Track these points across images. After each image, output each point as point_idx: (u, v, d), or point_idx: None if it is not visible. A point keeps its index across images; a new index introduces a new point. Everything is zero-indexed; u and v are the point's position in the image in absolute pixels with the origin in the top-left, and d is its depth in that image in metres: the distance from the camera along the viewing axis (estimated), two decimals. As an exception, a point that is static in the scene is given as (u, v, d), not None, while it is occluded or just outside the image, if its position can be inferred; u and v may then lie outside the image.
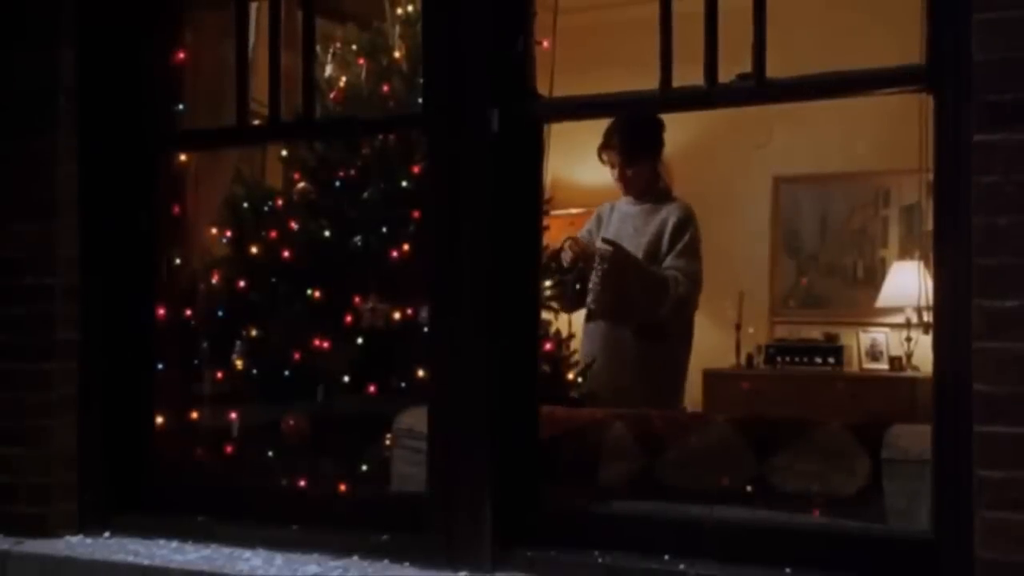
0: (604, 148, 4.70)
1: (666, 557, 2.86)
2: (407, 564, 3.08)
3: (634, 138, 4.60)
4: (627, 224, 4.71)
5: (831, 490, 3.05)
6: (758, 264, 7.57)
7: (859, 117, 6.87)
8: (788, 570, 2.73)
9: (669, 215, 4.68)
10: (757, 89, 2.81)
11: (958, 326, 2.50)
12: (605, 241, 4.51)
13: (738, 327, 7.28)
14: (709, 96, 2.87)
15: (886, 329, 7.15)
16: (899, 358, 6.87)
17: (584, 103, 3.13)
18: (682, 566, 2.82)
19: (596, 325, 4.64)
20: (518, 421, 3.11)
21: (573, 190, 7.02)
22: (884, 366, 7.02)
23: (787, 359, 7.03)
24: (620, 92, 3.04)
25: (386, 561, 3.11)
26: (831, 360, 6.95)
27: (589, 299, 4.57)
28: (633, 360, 4.57)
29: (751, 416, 3.86)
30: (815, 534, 2.83)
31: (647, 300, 4.55)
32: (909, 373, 6.74)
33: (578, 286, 4.58)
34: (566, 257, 4.52)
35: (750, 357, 7.23)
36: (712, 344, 6.78)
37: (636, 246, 4.65)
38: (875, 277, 7.24)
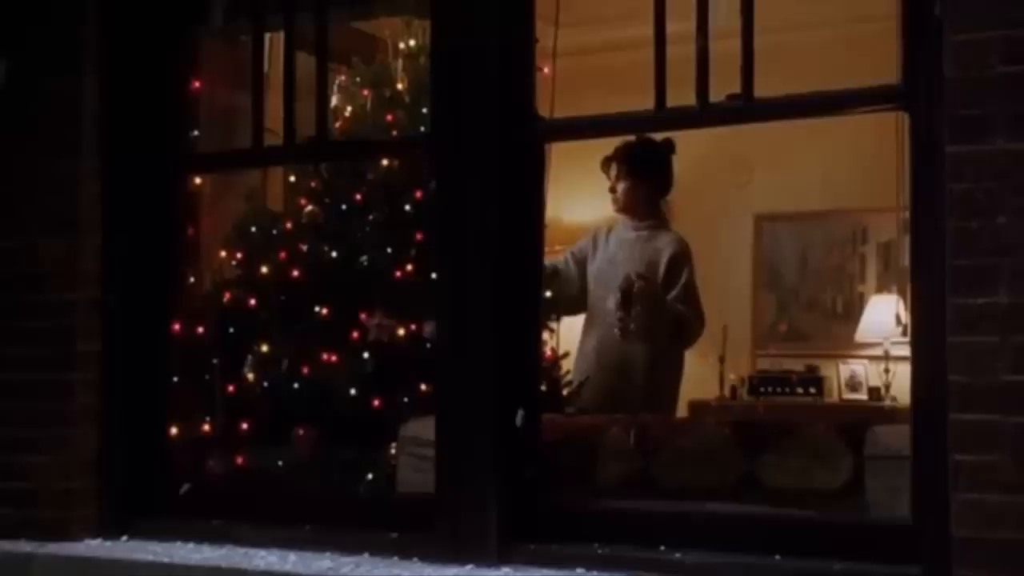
0: (607, 160, 4.81)
1: (662, 548, 3.04)
2: (416, 560, 3.24)
3: (632, 156, 4.72)
4: (623, 250, 4.83)
5: (817, 485, 3.24)
6: (741, 299, 7.78)
7: (837, 157, 7.14)
8: (777, 557, 2.92)
9: (664, 247, 4.78)
10: (746, 108, 3.02)
11: (934, 322, 2.70)
12: (639, 276, 4.59)
13: (722, 360, 7.46)
14: (701, 115, 3.07)
15: (865, 361, 7.37)
16: (877, 388, 7.09)
17: (583, 123, 3.34)
18: (677, 555, 3.00)
19: (601, 346, 4.78)
20: (522, 425, 3.28)
21: (562, 229, 7.22)
22: (863, 396, 7.23)
23: (770, 390, 7.22)
24: (617, 112, 3.25)
25: (395, 558, 3.27)
26: (812, 391, 7.16)
27: (601, 320, 4.69)
28: (634, 385, 4.70)
29: (740, 419, 4.03)
30: (802, 524, 3.02)
31: (663, 333, 4.68)
32: (888, 403, 6.94)
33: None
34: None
35: (734, 388, 7.42)
36: (697, 376, 6.94)
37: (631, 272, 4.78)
38: (853, 311, 7.46)
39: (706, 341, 7.27)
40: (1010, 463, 2.59)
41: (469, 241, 3.26)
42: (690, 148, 6.34)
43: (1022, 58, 2.61)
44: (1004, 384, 2.60)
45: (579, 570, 3.05)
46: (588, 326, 4.89)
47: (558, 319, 4.77)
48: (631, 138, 4.71)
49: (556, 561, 3.10)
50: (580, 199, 6.65)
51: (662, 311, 4.58)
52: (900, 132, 3.04)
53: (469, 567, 3.16)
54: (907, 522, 2.84)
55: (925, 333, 2.76)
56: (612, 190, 4.87)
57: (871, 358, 7.32)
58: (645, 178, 4.87)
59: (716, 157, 7.53)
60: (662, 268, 4.73)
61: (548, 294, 4.27)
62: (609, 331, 4.64)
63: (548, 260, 4.93)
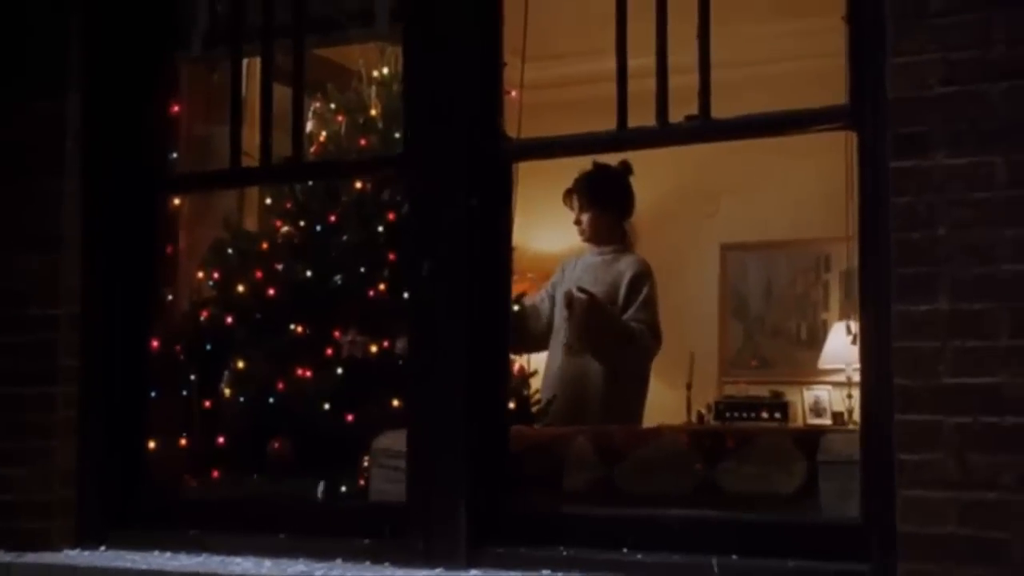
0: (568, 192, 5.02)
1: (624, 550, 3.16)
2: (387, 564, 3.34)
3: (592, 185, 4.92)
4: (587, 273, 5.01)
5: (773, 490, 3.37)
6: (708, 327, 7.94)
7: (800, 188, 7.33)
8: (735, 557, 3.04)
9: (626, 268, 4.97)
10: (703, 127, 3.18)
11: (880, 328, 2.85)
12: (580, 290, 4.78)
13: (689, 386, 7.60)
14: (661, 134, 3.22)
15: (828, 387, 7.52)
16: (841, 413, 7.24)
17: (549, 143, 3.48)
18: (639, 556, 3.12)
19: (563, 364, 4.91)
20: (488, 436, 3.40)
21: (530, 257, 7.37)
22: (827, 421, 7.38)
23: (736, 415, 7.35)
24: (580, 133, 3.39)
25: (368, 563, 3.37)
26: (777, 416, 7.29)
27: (560, 339, 4.85)
28: (594, 399, 4.85)
29: (700, 428, 4.17)
30: (758, 525, 3.13)
31: (614, 347, 4.83)
32: (851, 428, 7.08)
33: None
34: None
35: (700, 415, 7.55)
36: (665, 403, 7.08)
37: (604, 297, 4.92)
38: (817, 338, 7.63)
39: (673, 368, 7.45)
40: (951, 461, 2.72)
41: (439, 258, 3.39)
42: (658, 181, 6.54)
43: (959, 79, 2.77)
44: (945, 386, 2.74)
45: (545, 571, 3.16)
46: (553, 346, 5.05)
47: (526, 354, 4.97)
48: (588, 168, 4.91)
49: (523, 563, 3.21)
50: (548, 227, 6.81)
51: (608, 324, 4.72)
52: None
53: (439, 570, 3.27)
54: (857, 521, 2.97)
55: (872, 338, 2.90)
56: (577, 221, 5.07)
57: (834, 384, 7.47)
58: (607, 205, 5.07)
59: (683, 189, 7.74)
60: (623, 288, 4.92)
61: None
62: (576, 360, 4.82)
63: (527, 297, 5.13)
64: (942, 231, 2.77)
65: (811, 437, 3.43)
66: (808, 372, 7.59)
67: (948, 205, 2.77)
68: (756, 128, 3.30)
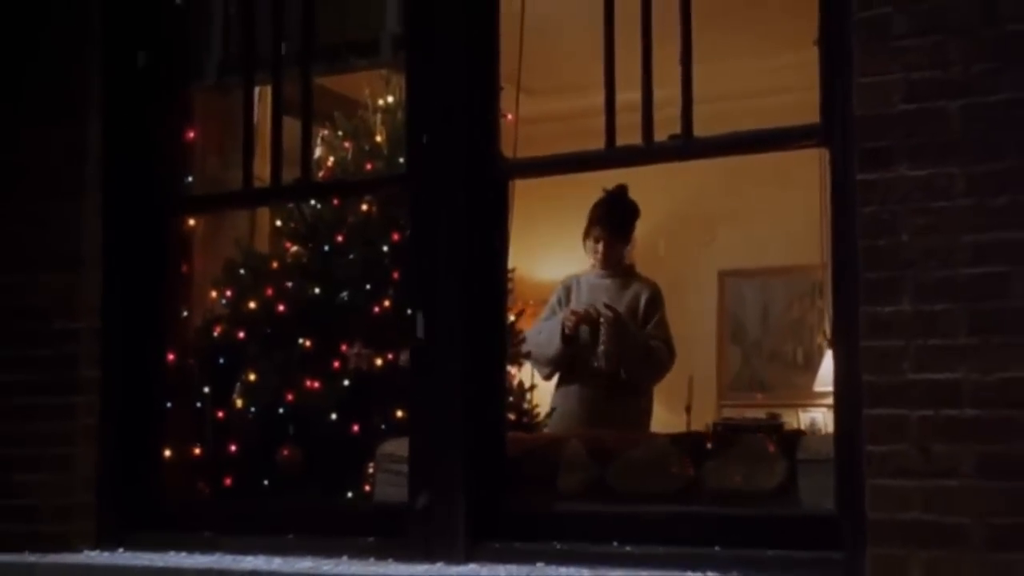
0: (593, 224, 5.25)
1: (614, 544, 3.35)
2: (391, 560, 3.53)
3: (617, 218, 5.22)
4: (598, 294, 5.21)
5: (755, 487, 3.56)
6: (706, 351, 8.12)
7: (795, 217, 7.52)
8: (717, 548, 3.23)
9: (641, 291, 5.25)
10: (685, 145, 3.39)
11: (849, 328, 3.05)
12: (606, 307, 5.02)
13: (688, 409, 7.76)
14: (647, 152, 3.44)
15: (823, 409, 7.68)
16: (836, 435, 7.38)
17: (542, 162, 3.71)
18: (627, 548, 3.31)
19: (582, 391, 5.13)
20: (486, 440, 3.59)
21: (533, 285, 7.59)
22: (823, 443, 7.53)
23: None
24: (572, 152, 3.61)
25: (372, 559, 3.56)
26: (774, 438, 7.43)
27: (598, 360, 5.05)
28: (606, 414, 5.05)
29: (687, 432, 4.37)
30: (739, 519, 3.32)
31: (634, 359, 5.06)
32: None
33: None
34: (569, 324, 5.01)
35: (700, 436, 7.72)
36: (665, 425, 7.26)
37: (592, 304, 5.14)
38: (813, 362, 7.80)
39: (673, 392, 7.63)
40: (915, 452, 2.92)
41: (440, 270, 3.60)
42: (659, 210, 6.76)
43: (919, 97, 2.98)
44: (909, 382, 2.93)
45: (539, 564, 3.34)
46: (568, 375, 5.21)
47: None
48: (609, 204, 5.14)
49: (519, 557, 3.40)
50: (551, 257, 7.06)
51: (631, 338, 4.94)
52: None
53: (439, 564, 3.45)
54: (831, 513, 3.16)
55: (843, 338, 3.10)
56: (599, 252, 5.25)
57: (829, 406, 7.59)
58: (621, 232, 5.34)
59: (683, 218, 7.97)
60: (642, 308, 5.19)
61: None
62: (589, 376, 5.01)
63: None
64: (905, 238, 2.97)
65: (791, 438, 3.62)
66: (804, 395, 7.76)
67: (910, 214, 2.97)
68: (735, 146, 3.51)
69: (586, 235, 5.30)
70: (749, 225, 7.84)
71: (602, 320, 4.99)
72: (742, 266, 8.13)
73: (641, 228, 7.42)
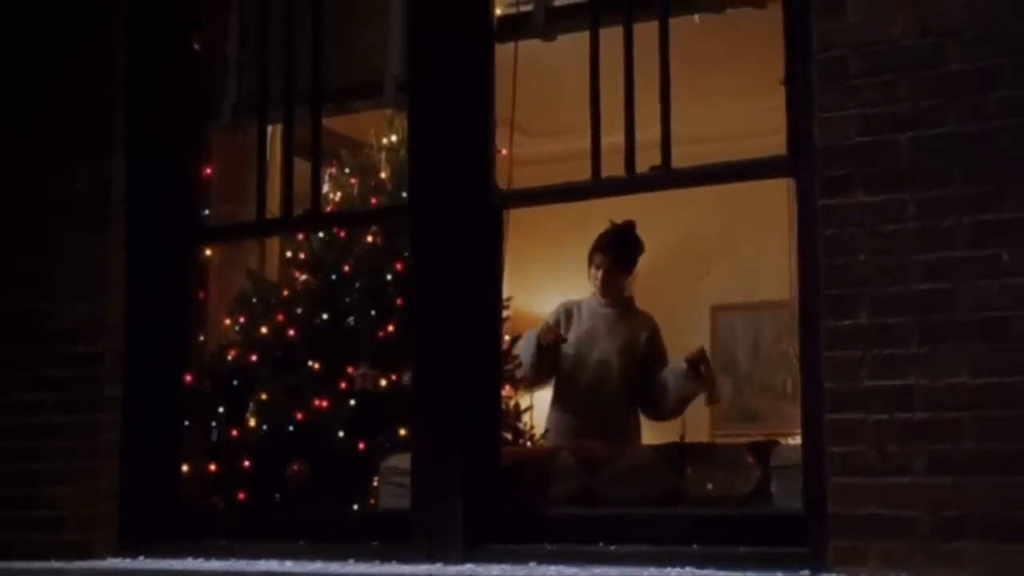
0: (596, 250, 5.48)
1: (600, 544, 3.62)
2: (394, 562, 3.80)
3: (621, 248, 5.46)
4: (599, 323, 5.46)
5: (732, 492, 3.84)
6: (699, 383, 8.38)
7: (784, 253, 7.81)
8: (695, 546, 3.50)
9: (642, 325, 5.50)
10: (665, 176, 3.69)
11: (812, 340, 3.34)
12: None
13: (682, 439, 8.01)
14: (629, 183, 3.74)
15: (812, 438, 7.94)
16: (823, 461, 7.63)
17: (532, 192, 4.03)
18: (612, 547, 3.59)
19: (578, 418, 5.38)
20: (482, 452, 3.87)
21: (530, 319, 7.87)
22: (811, 469, 7.78)
23: (725, 465, 7.76)
24: (560, 183, 3.92)
25: (377, 562, 3.83)
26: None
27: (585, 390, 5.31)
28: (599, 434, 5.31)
29: (669, 443, 4.66)
30: (715, 519, 3.61)
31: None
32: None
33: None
34: (547, 339, 5.27)
35: (693, 465, 7.97)
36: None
37: (611, 345, 5.42)
38: (802, 393, 8.05)
39: (669, 422, 7.92)
40: (872, 452, 3.19)
41: (439, 293, 3.89)
42: (654, 246, 7.05)
43: (873, 130, 3.28)
44: (866, 388, 3.21)
45: (532, 564, 3.61)
46: (563, 397, 5.46)
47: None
48: (614, 234, 5.42)
49: (513, 557, 3.65)
50: (547, 291, 7.35)
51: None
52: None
53: (439, 564, 3.72)
54: (799, 511, 3.44)
55: (807, 350, 3.39)
56: (601, 279, 5.48)
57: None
58: (623, 262, 5.56)
59: (677, 255, 8.27)
60: (643, 343, 5.43)
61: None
62: (587, 401, 5.30)
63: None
64: (862, 257, 3.26)
65: (766, 447, 3.90)
66: (793, 424, 7.90)
67: (866, 236, 3.26)
68: (710, 176, 3.82)
69: (589, 261, 5.51)
70: (740, 262, 8.14)
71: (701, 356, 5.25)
72: (733, 301, 8.43)
73: (640, 263, 7.75)
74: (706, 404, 5.45)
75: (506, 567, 3.62)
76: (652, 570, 3.41)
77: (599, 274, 5.48)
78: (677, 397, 5.32)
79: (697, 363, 5.24)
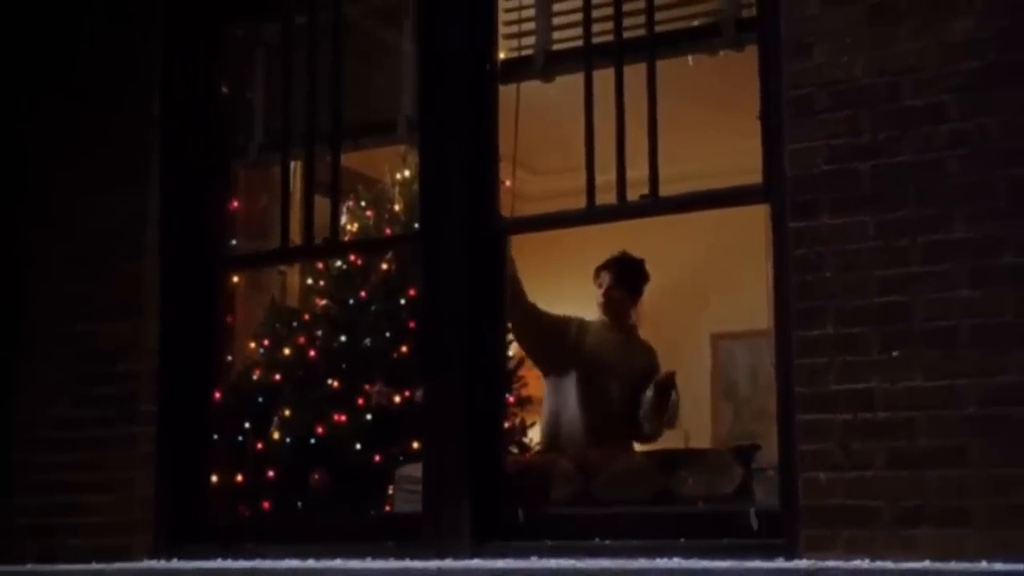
0: (601, 268, 5.73)
1: (596, 540, 3.95)
2: (408, 559, 4.13)
3: (623, 268, 5.71)
4: (607, 348, 5.67)
5: (717, 491, 4.18)
6: (701, 408, 8.70)
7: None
8: (682, 540, 3.83)
9: (645, 355, 5.76)
10: (653, 203, 4.05)
11: (785, 349, 3.69)
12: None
13: (683, 453, 8.33)
14: (620, 210, 4.10)
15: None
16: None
17: (533, 219, 4.43)
18: (607, 542, 3.92)
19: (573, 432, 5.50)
20: (487, 459, 4.21)
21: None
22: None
23: (725, 486, 8.07)
24: (557, 211, 4.29)
25: (392, 559, 4.16)
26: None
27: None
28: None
29: (659, 449, 4.99)
30: (700, 516, 3.96)
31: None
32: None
33: None
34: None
35: (694, 486, 8.27)
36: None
37: (621, 372, 5.65)
38: (799, 417, 8.36)
39: (672, 446, 8.23)
40: (838, 449, 3.53)
41: (447, 313, 4.24)
42: (656, 277, 7.39)
43: (838, 159, 3.62)
44: (832, 391, 3.55)
45: (533, 558, 3.94)
46: (561, 410, 5.60)
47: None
48: (622, 256, 5.73)
49: (516, 553, 3.97)
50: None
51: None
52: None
53: (448, 560, 4.05)
54: (775, 507, 3.77)
55: (781, 358, 3.73)
56: (603, 295, 5.71)
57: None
58: (625, 285, 5.79)
59: (678, 285, 8.61)
60: (641, 371, 5.65)
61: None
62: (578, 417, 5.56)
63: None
64: (828, 274, 3.60)
65: (748, 451, 4.25)
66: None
67: (832, 254, 3.60)
68: (693, 203, 4.18)
69: (594, 278, 5.74)
70: (739, 292, 8.47)
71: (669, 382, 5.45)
72: (733, 329, 8.75)
73: (644, 294, 8.06)
74: (665, 427, 5.63)
75: (510, 560, 3.95)
76: (643, 560, 3.73)
77: (599, 291, 5.70)
78: (645, 413, 5.50)
79: (666, 387, 5.43)
